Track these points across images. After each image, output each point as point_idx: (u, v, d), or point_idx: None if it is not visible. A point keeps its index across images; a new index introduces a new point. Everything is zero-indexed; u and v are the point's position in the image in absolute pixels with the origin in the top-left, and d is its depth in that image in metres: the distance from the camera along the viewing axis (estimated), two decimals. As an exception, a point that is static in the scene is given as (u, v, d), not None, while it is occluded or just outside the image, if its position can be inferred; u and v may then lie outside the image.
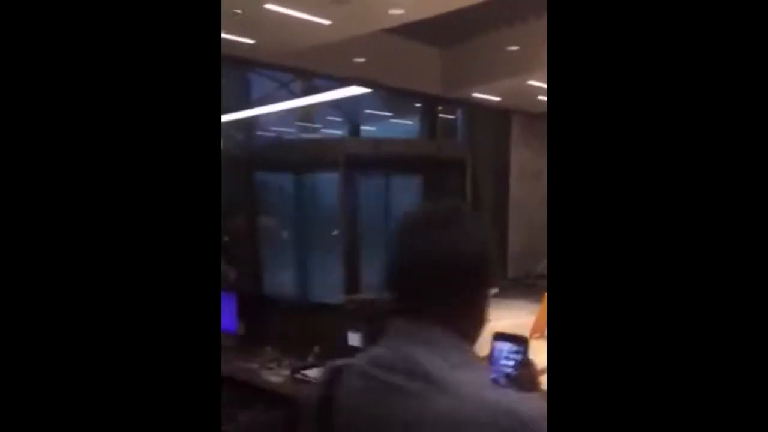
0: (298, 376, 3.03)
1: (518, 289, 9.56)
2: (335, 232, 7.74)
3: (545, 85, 8.46)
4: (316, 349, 3.27)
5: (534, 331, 6.53)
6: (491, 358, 1.19)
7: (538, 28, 7.58)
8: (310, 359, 3.24)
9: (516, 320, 7.26)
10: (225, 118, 6.77)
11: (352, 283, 7.54)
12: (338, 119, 9.16)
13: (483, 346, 1.10)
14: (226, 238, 6.96)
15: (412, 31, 7.26)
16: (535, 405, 0.89)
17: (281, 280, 7.94)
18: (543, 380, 1.09)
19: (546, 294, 6.35)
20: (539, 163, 10.40)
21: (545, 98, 9.07)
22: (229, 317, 3.77)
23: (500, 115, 10.57)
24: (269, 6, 5.61)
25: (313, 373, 3.03)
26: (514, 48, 7.96)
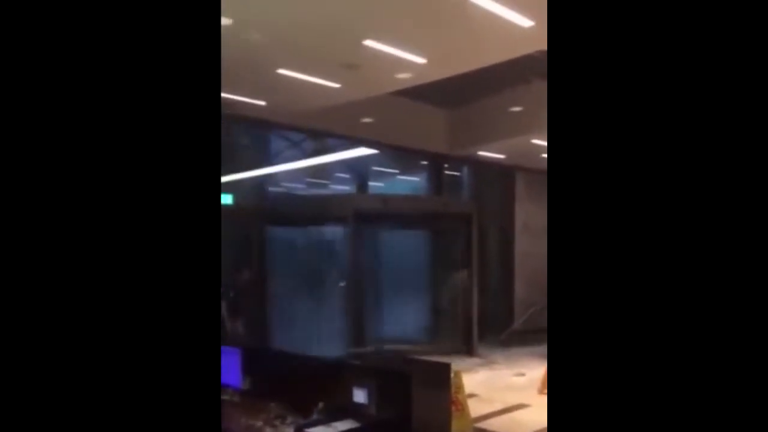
0: (302, 433, 3.04)
1: (527, 340, 9.47)
2: (342, 284, 7.79)
3: (548, 144, 8.63)
4: (321, 405, 3.29)
5: (544, 386, 6.44)
6: None
7: (541, 89, 7.83)
8: (315, 416, 3.25)
9: (533, 372, 7.18)
10: (238, 176, 6.99)
11: (358, 336, 7.52)
12: (346, 176, 9.38)
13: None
14: (231, 294, 7.03)
15: (419, 92, 7.56)
16: None
17: (287, 334, 7.93)
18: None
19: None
20: (544, 217, 10.50)
21: (549, 156, 9.23)
22: (234, 372, 3.79)
23: (505, 172, 10.79)
24: (282, 71, 5.90)
25: (317, 431, 3.03)
26: (517, 109, 8.22)
